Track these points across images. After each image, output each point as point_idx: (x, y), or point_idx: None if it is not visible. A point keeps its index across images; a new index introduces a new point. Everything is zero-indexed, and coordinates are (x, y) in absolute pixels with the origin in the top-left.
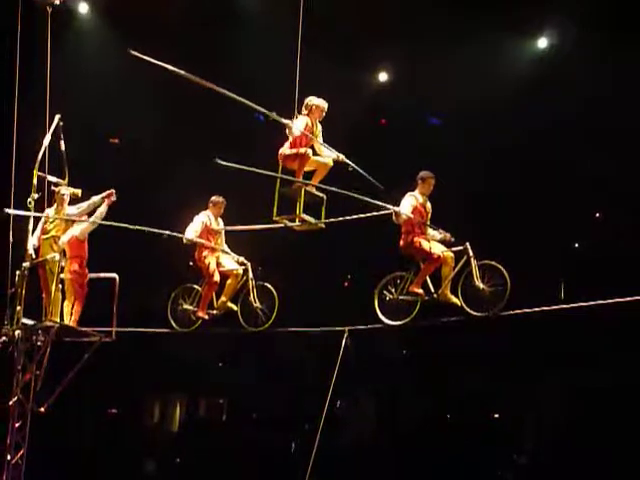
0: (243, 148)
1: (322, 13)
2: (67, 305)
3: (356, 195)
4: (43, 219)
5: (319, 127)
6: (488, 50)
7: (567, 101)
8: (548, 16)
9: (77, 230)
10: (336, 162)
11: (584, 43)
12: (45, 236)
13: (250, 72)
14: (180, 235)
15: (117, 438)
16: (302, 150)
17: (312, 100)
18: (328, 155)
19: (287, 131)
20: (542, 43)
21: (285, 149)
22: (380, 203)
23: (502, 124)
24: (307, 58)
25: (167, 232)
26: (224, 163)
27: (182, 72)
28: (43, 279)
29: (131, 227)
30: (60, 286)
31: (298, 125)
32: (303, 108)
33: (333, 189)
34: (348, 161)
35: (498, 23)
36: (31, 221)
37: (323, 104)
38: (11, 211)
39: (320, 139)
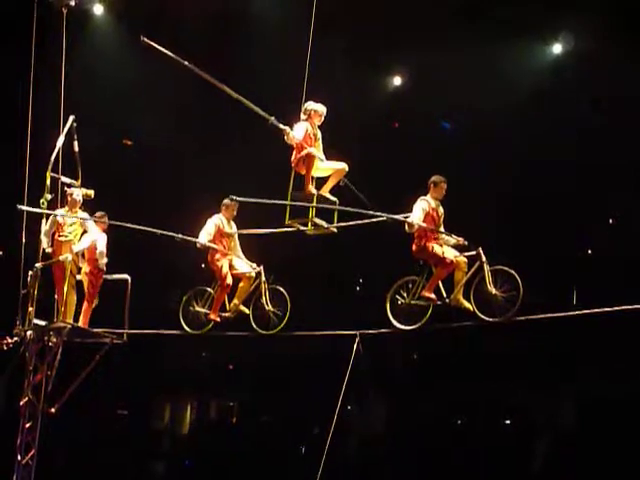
0: (257, 149)
1: (335, 15)
2: (84, 306)
3: (369, 212)
4: (56, 220)
5: (319, 133)
6: (502, 55)
7: (582, 106)
8: (562, 22)
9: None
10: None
11: (599, 49)
12: (63, 238)
13: (262, 74)
14: (194, 239)
15: (126, 440)
16: (305, 151)
17: (310, 105)
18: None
19: (285, 137)
20: (556, 49)
21: (294, 156)
22: (392, 216)
23: (516, 129)
24: (320, 60)
25: (180, 235)
26: (239, 199)
27: (190, 65)
28: (57, 280)
29: (144, 229)
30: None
31: (298, 131)
32: (302, 114)
33: (348, 209)
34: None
35: (512, 28)
36: (44, 222)
37: (322, 109)
38: (24, 208)
39: (320, 145)
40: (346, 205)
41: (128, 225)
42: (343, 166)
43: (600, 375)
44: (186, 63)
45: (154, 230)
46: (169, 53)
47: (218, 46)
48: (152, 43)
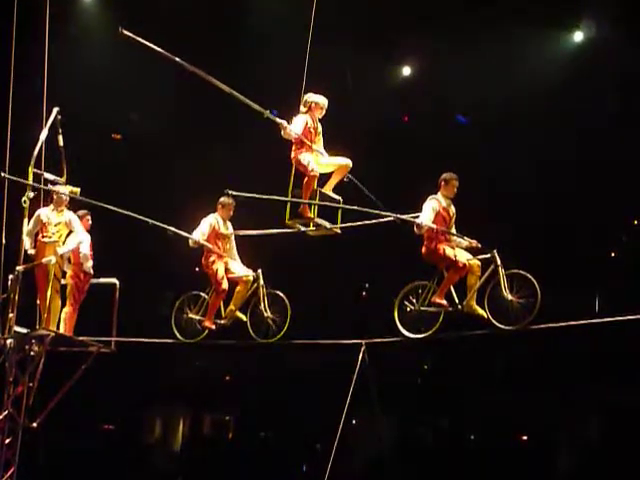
0: (253, 142)
1: (340, 2)
2: (66, 312)
3: (375, 211)
4: (40, 219)
5: (320, 126)
6: (520, 44)
7: (603, 99)
8: (584, 8)
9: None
10: None
11: (621, 36)
12: (47, 239)
13: (262, 66)
14: (186, 235)
15: (114, 456)
16: (312, 172)
17: (311, 97)
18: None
19: (282, 132)
20: (578, 37)
21: (294, 152)
22: (401, 216)
23: (533, 122)
24: (325, 52)
25: (172, 228)
26: (235, 193)
27: (177, 59)
28: (40, 284)
29: (136, 216)
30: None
31: (296, 125)
32: (302, 106)
33: (353, 208)
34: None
35: (531, 16)
36: (26, 221)
37: (323, 101)
38: (7, 176)
39: (321, 139)
40: (350, 203)
41: (113, 208)
42: (347, 162)
43: (626, 386)
44: (178, 59)
45: (144, 219)
46: (154, 47)
47: (215, 34)
48: (132, 35)
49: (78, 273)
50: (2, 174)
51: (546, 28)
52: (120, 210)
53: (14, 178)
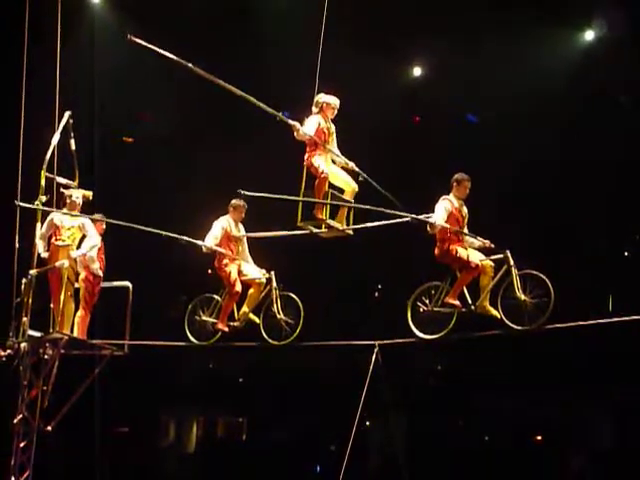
0: (265, 145)
1: (354, 3)
2: (79, 315)
3: (388, 211)
4: (53, 223)
5: (332, 126)
6: (530, 43)
7: (615, 98)
8: (595, 7)
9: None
10: (345, 169)
11: (633, 36)
12: (60, 243)
13: (275, 66)
14: (199, 242)
15: (128, 459)
16: (323, 175)
17: (322, 97)
18: (338, 162)
19: (295, 134)
20: (589, 35)
21: (308, 153)
22: (417, 217)
23: (544, 122)
24: (335, 52)
25: (185, 237)
26: (247, 193)
27: (189, 64)
28: (53, 288)
29: (150, 230)
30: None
31: (309, 126)
32: (313, 107)
33: (367, 207)
34: (359, 170)
35: (541, 15)
36: (38, 226)
37: (334, 101)
38: (22, 204)
39: (334, 139)
40: (362, 204)
41: (130, 225)
42: (354, 186)
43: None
44: (190, 65)
45: (158, 231)
46: (164, 52)
47: (227, 34)
48: (140, 41)
49: (88, 275)
50: (16, 202)
51: (556, 26)
52: (129, 224)
53: (28, 205)
